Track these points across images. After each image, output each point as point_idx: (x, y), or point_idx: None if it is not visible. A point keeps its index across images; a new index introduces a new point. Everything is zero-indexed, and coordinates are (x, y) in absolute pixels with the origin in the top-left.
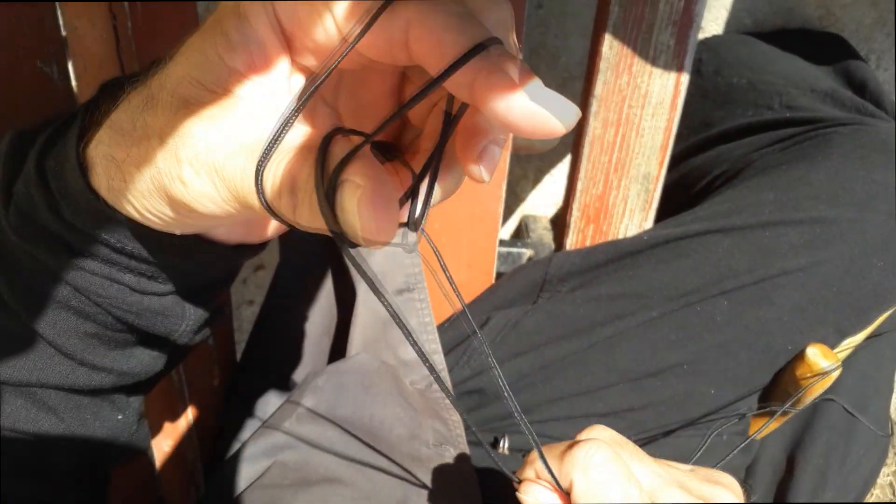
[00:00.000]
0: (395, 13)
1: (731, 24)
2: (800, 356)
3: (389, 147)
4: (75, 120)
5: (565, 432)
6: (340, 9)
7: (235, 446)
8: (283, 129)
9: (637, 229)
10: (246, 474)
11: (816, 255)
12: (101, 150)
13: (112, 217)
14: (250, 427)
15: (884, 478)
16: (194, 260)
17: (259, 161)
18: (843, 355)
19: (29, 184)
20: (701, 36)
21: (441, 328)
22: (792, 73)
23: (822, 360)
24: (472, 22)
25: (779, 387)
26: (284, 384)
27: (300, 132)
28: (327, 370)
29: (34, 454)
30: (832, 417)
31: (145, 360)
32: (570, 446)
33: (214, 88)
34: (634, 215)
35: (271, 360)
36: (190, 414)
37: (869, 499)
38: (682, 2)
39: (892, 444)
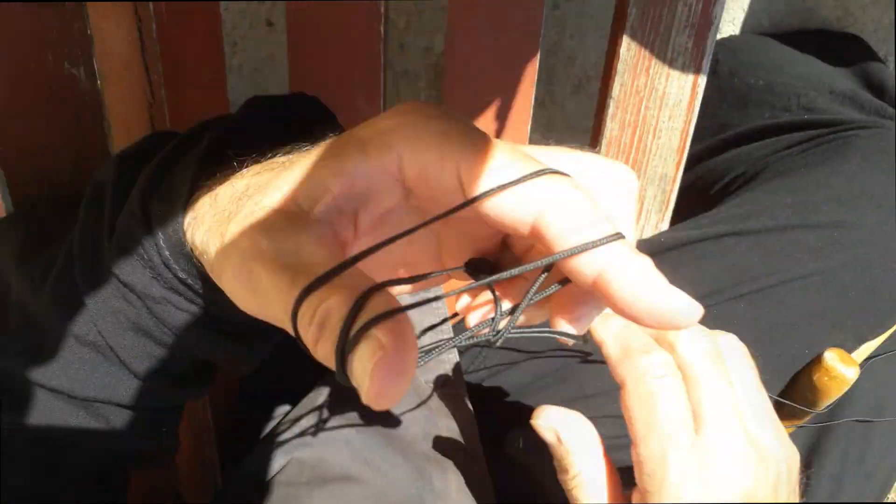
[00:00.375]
0: (527, 197)
1: (748, 24)
2: (817, 360)
3: (484, 265)
4: (178, 158)
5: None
6: (468, 171)
7: (252, 444)
8: (342, 268)
9: (653, 231)
10: (263, 471)
11: (834, 260)
12: (201, 212)
13: (204, 273)
14: (267, 424)
15: None
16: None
17: (309, 285)
18: (860, 360)
19: (133, 224)
20: (718, 37)
21: (458, 326)
22: (810, 74)
23: (841, 365)
24: (600, 215)
25: (796, 391)
26: (301, 381)
27: (359, 267)
28: None
29: (64, 457)
30: (848, 422)
31: (206, 386)
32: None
33: (301, 202)
34: (651, 217)
35: (287, 356)
36: (208, 410)
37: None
38: (700, 4)
39: None
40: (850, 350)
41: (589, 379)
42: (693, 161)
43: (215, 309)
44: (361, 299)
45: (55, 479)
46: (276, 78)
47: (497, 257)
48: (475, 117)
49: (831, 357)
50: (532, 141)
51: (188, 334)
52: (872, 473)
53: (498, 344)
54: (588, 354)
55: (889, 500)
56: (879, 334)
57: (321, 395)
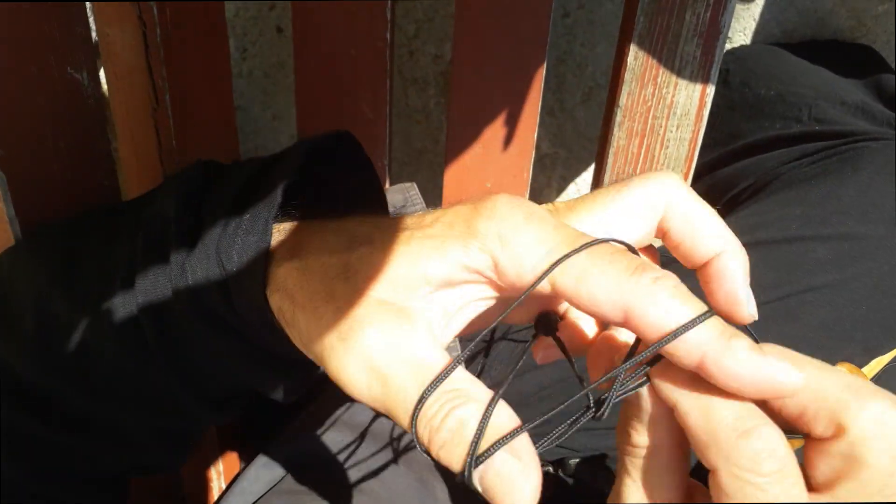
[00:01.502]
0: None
1: (759, 34)
2: None
3: (552, 320)
4: (249, 202)
5: (585, 443)
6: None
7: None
8: (452, 369)
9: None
10: (265, 479)
11: (844, 272)
12: (285, 281)
13: (271, 326)
14: (270, 432)
15: None
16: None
17: (427, 388)
18: (870, 374)
19: (208, 267)
20: (728, 47)
21: (460, 338)
22: (821, 85)
23: None
24: (688, 296)
25: None
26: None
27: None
28: None
29: (84, 467)
30: None
31: (240, 410)
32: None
33: (400, 291)
34: None
35: None
36: None
37: None
38: (709, 13)
39: None
40: (860, 364)
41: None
42: (703, 171)
43: (273, 350)
44: (488, 413)
45: (70, 488)
46: (286, 84)
47: (562, 310)
48: (481, 126)
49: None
50: (540, 150)
51: (238, 369)
52: None
53: (604, 416)
54: None
55: None
56: (891, 348)
57: (323, 407)
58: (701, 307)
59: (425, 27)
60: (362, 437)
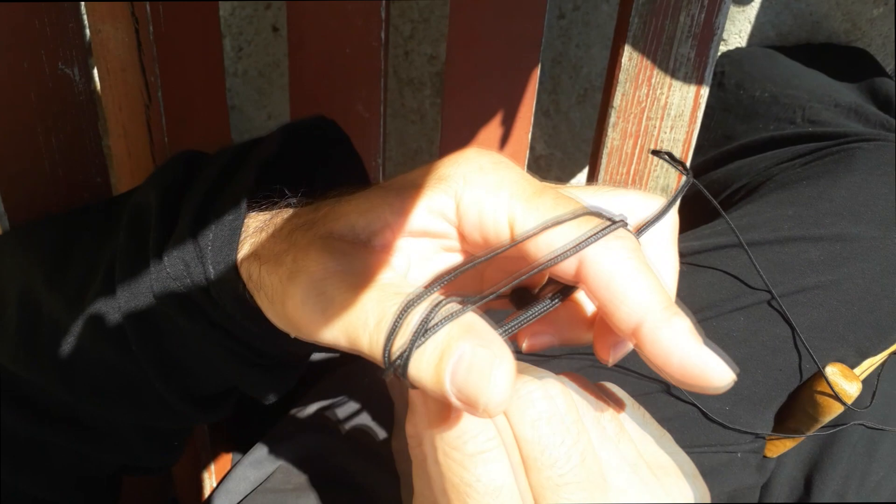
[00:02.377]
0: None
1: (754, 37)
2: (818, 375)
3: (528, 294)
4: (224, 189)
5: None
6: (520, 216)
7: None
8: (441, 282)
9: None
10: (252, 478)
11: (836, 273)
12: (254, 247)
13: (246, 304)
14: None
15: None
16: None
17: (410, 300)
18: (863, 375)
19: (185, 260)
20: (724, 49)
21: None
22: (816, 87)
23: (842, 380)
24: (650, 277)
25: (797, 406)
26: (295, 391)
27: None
28: (336, 376)
29: (71, 466)
30: (852, 437)
31: (228, 410)
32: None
33: (360, 234)
34: None
35: None
36: None
37: None
38: (703, 14)
39: None
40: (852, 365)
41: None
42: (696, 172)
43: (257, 343)
44: (442, 303)
45: (55, 484)
46: (281, 83)
47: (538, 286)
48: (476, 126)
49: (832, 372)
50: (535, 151)
51: (223, 367)
52: (875, 491)
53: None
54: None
55: None
56: (883, 349)
57: (311, 405)
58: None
59: (421, 27)
60: (348, 436)
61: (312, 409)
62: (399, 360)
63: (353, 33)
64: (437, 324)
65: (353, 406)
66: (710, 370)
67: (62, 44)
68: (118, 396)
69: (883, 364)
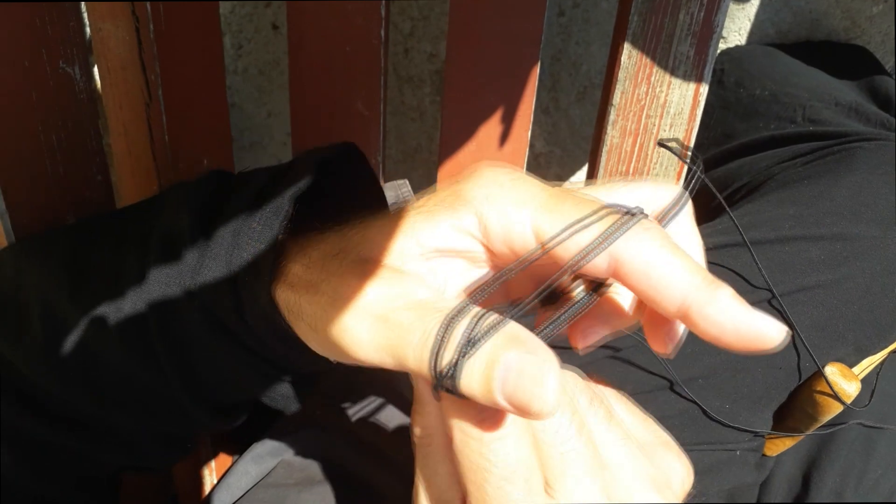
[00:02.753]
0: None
1: (754, 34)
2: (817, 375)
3: (558, 298)
4: (256, 213)
5: None
6: (544, 225)
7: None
8: (482, 293)
9: None
10: (253, 473)
11: (837, 272)
12: (290, 276)
13: (281, 331)
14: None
15: None
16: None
17: (451, 315)
18: (862, 374)
19: (220, 291)
20: (723, 46)
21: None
22: (816, 86)
23: (841, 380)
24: (685, 260)
25: (796, 405)
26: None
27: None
28: (342, 376)
29: (69, 464)
30: (850, 436)
31: (242, 419)
32: None
33: (393, 258)
34: None
35: None
36: None
37: None
38: (702, 12)
39: None
40: (851, 364)
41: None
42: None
43: (289, 365)
44: (486, 315)
45: (58, 482)
46: (281, 81)
47: (567, 289)
48: (476, 124)
49: (832, 372)
50: (535, 149)
51: (250, 385)
52: (874, 489)
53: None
54: (616, 350)
55: None
56: (882, 348)
57: (313, 402)
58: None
59: (420, 25)
60: (349, 432)
61: (315, 406)
62: (448, 375)
63: (353, 31)
64: (483, 335)
65: (354, 402)
66: (765, 331)
67: (63, 42)
68: (144, 409)
69: (882, 363)
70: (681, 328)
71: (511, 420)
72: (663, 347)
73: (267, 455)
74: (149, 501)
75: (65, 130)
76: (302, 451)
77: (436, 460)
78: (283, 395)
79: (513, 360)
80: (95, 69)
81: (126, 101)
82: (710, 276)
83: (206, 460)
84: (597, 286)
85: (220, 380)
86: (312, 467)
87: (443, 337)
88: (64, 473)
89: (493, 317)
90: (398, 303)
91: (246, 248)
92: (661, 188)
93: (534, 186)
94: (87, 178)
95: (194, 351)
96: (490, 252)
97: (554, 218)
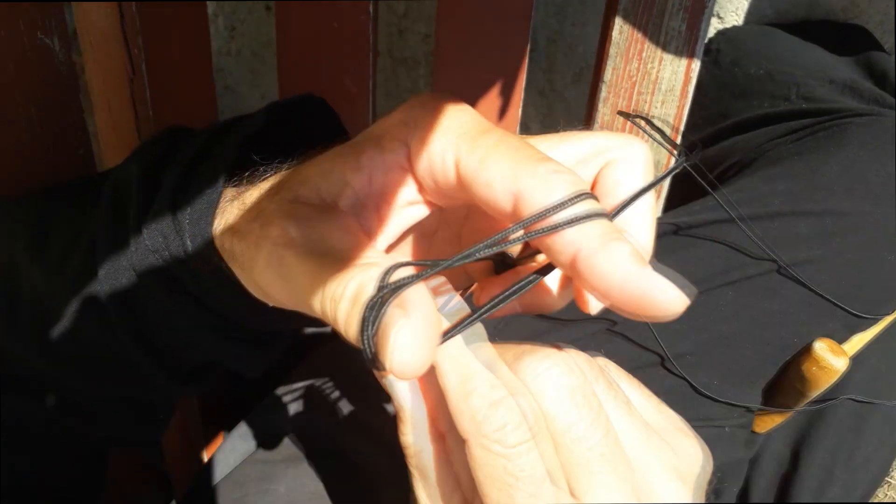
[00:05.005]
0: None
1: (751, 15)
2: (806, 350)
3: (509, 258)
4: (204, 163)
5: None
6: (465, 163)
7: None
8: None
9: None
10: (241, 450)
11: (827, 248)
12: (228, 217)
13: (226, 276)
14: (249, 406)
15: None
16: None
17: (363, 271)
18: (852, 351)
19: (163, 231)
20: (721, 27)
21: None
22: (811, 63)
23: (830, 355)
24: (580, 187)
25: (785, 381)
26: (284, 366)
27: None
28: (323, 352)
29: (55, 440)
30: (840, 413)
31: (211, 384)
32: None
33: (325, 197)
34: None
35: None
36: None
37: (882, 499)
38: None
39: None
40: (840, 340)
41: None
42: (691, 150)
43: (238, 317)
44: (391, 271)
45: (42, 461)
46: (275, 63)
47: (522, 252)
48: (467, 100)
49: (821, 347)
50: (531, 130)
51: (203, 342)
52: (864, 466)
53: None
54: (613, 323)
55: (888, 501)
56: (872, 324)
57: (301, 379)
58: (579, 188)
59: (415, 6)
60: (335, 410)
61: (300, 384)
62: (350, 330)
63: (342, 7)
64: (383, 296)
65: (340, 381)
66: (656, 293)
67: (41, 13)
68: (99, 369)
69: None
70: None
71: (533, 429)
72: (586, 308)
73: (256, 431)
74: (139, 480)
75: (45, 104)
76: (289, 429)
77: (430, 469)
78: (240, 357)
79: (395, 333)
80: (79, 43)
81: (109, 76)
82: (612, 227)
83: (196, 440)
84: (543, 270)
85: (171, 336)
86: (299, 444)
87: (346, 292)
88: (44, 448)
89: (403, 273)
90: (314, 249)
91: (189, 192)
92: (615, 140)
93: (465, 115)
94: (68, 152)
95: (143, 307)
96: (420, 187)
97: (475, 150)
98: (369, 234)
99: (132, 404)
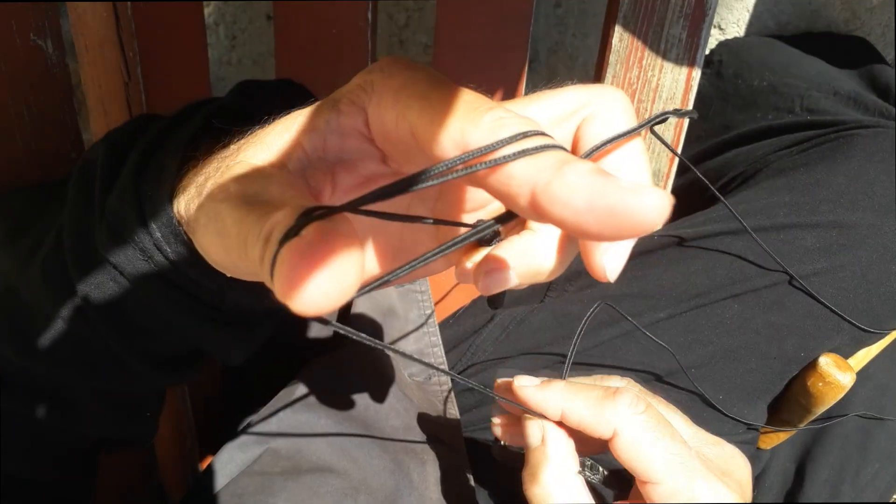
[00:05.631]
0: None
1: (753, 27)
2: (812, 365)
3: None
4: (168, 138)
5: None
6: (420, 127)
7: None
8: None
9: None
10: (238, 460)
11: (832, 261)
12: (186, 183)
13: (189, 247)
14: (246, 414)
15: None
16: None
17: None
18: (858, 366)
19: (124, 206)
20: (722, 38)
21: (445, 324)
22: (814, 75)
23: (836, 371)
24: (528, 126)
25: (790, 395)
26: (280, 372)
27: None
28: (325, 359)
29: (40, 439)
30: (846, 428)
31: (193, 374)
32: (609, 393)
33: (275, 158)
34: None
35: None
36: (188, 401)
37: None
38: None
39: None
40: (847, 354)
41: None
42: (693, 162)
43: (206, 295)
44: (306, 214)
45: (30, 460)
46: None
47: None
48: None
49: (826, 363)
50: None
51: (176, 322)
52: (871, 483)
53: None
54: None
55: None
56: (878, 338)
57: (299, 386)
58: (528, 128)
59: (416, 16)
60: (335, 418)
61: (300, 392)
62: (265, 272)
63: (340, 14)
64: (296, 226)
65: (341, 389)
66: (631, 198)
67: (34, 14)
68: (73, 358)
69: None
70: (502, 276)
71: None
72: (602, 273)
73: (252, 442)
74: (133, 490)
75: (37, 105)
76: (290, 439)
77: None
78: (216, 340)
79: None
80: (74, 46)
81: (105, 80)
82: (565, 155)
83: (191, 448)
84: (500, 217)
85: (145, 319)
86: (299, 456)
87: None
88: (34, 449)
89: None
90: (248, 199)
91: (150, 167)
92: (588, 91)
93: (421, 74)
94: (61, 154)
95: (108, 283)
96: (377, 147)
97: (428, 112)
98: (320, 196)
99: (115, 399)
